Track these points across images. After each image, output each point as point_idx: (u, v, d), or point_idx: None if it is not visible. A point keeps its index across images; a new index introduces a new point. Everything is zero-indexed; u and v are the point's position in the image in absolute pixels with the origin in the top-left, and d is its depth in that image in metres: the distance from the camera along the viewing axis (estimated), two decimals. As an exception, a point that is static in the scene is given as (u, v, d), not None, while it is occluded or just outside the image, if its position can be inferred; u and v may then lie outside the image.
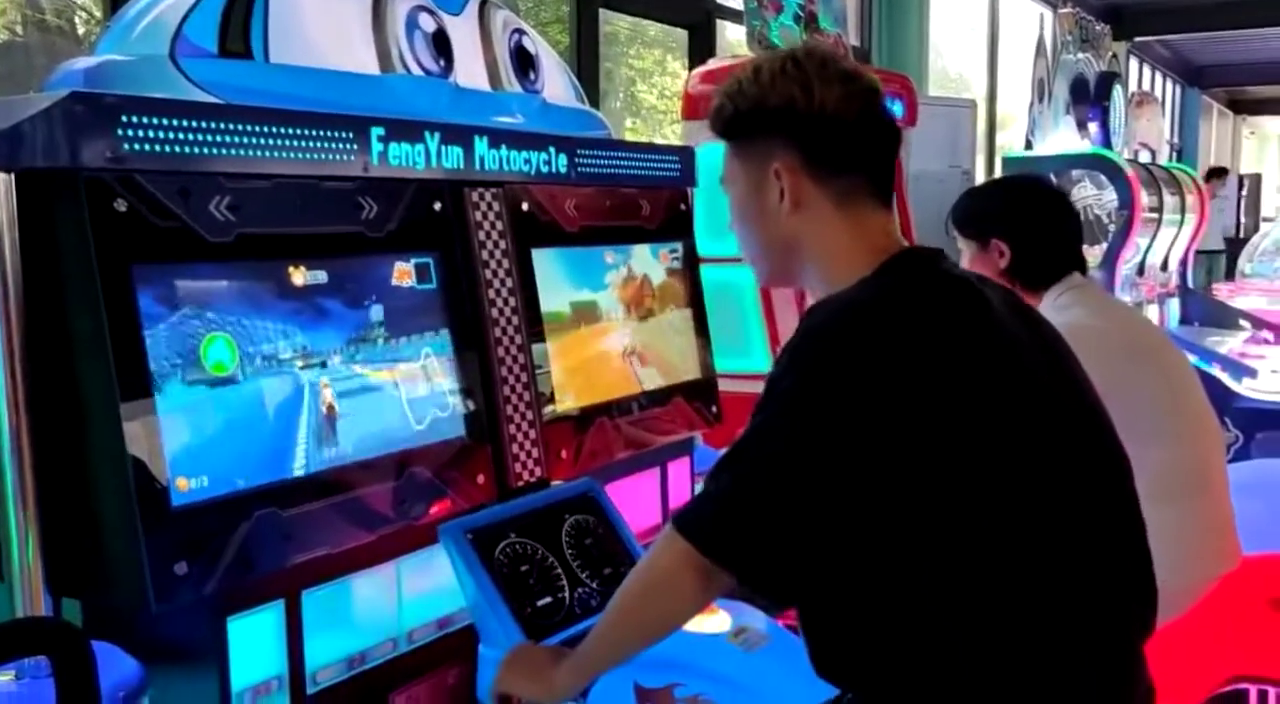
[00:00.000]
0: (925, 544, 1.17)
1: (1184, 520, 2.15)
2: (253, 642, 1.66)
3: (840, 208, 1.36)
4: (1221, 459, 2.29)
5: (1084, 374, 1.37)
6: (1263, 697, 2.10)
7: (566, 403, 2.26)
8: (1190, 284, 5.96)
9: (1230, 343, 5.21)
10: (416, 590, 1.93)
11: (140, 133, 1.51)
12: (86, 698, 1.08)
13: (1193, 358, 2.47)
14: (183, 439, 1.55)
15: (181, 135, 1.56)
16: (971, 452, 1.17)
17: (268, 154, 1.69)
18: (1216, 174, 10.48)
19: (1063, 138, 5.07)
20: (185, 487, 1.54)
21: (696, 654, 1.47)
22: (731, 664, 1.56)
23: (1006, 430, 1.19)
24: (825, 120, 1.34)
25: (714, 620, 1.65)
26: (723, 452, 1.28)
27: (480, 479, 2.01)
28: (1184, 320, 5.78)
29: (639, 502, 2.57)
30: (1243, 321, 5.68)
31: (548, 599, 1.89)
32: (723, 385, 2.78)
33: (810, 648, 1.31)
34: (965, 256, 2.35)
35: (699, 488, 1.32)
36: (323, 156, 1.78)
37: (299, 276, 1.75)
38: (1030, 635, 1.18)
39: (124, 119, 1.50)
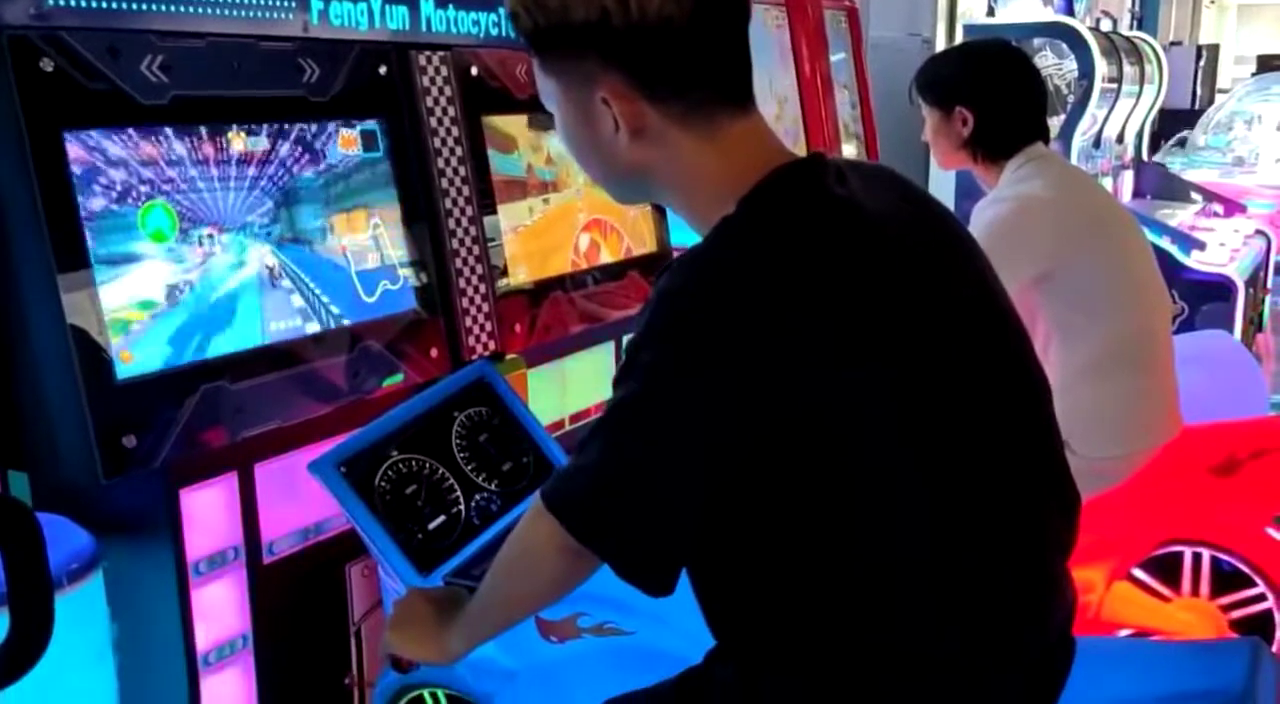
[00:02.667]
0: (817, 504, 1.06)
1: (1130, 392, 2.19)
2: (207, 514, 1.66)
3: (690, 128, 1.12)
4: (1168, 332, 2.33)
5: (997, 282, 1.21)
6: (1196, 558, 2.18)
7: (520, 276, 2.23)
8: (1145, 156, 5.98)
9: (1181, 216, 5.26)
10: (370, 462, 1.93)
11: (64, -13, 1.44)
12: (35, 570, 1.07)
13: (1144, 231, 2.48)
14: (125, 311, 1.52)
15: (108, -10, 1.49)
16: (859, 401, 1.03)
17: (200, 10, 1.61)
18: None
19: (1025, 5, 4.99)
20: (129, 359, 1.52)
21: (598, 580, 1.38)
22: (635, 590, 1.47)
23: (899, 374, 1.05)
24: (649, 34, 1.07)
25: None
26: (592, 421, 1.12)
27: (434, 353, 1.99)
28: (1137, 193, 5.81)
29: (593, 376, 2.57)
30: (1194, 194, 5.73)
31: (440, 519, 1.74)
32: (678, 258, 2.76)
33: (706, 617, 1.19)
34: (928, 125, 2.32)
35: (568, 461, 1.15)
36: (259, 15, 1.70)
37: (239, 142, 1.69)
38: (930, 573, 1.07)
39: (46, -28, 1.42)
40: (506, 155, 2.24)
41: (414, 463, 1.76)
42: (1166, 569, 2.21)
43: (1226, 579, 2.18)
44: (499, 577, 1.24)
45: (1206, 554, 2.17)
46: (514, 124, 2.26)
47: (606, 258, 2.42)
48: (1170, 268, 3.89)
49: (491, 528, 1.81)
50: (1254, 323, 4.64)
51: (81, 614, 1.54)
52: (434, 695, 1.82)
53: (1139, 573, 2.22)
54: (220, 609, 1.69)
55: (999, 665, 1.13)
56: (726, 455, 1.04)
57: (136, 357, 1.53)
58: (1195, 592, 2.20)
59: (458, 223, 2.07)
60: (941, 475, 1.08)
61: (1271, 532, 2.13)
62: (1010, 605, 1.13)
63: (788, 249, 1.05)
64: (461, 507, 1.80)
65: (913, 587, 1.08)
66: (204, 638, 1.67)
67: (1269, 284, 5.12)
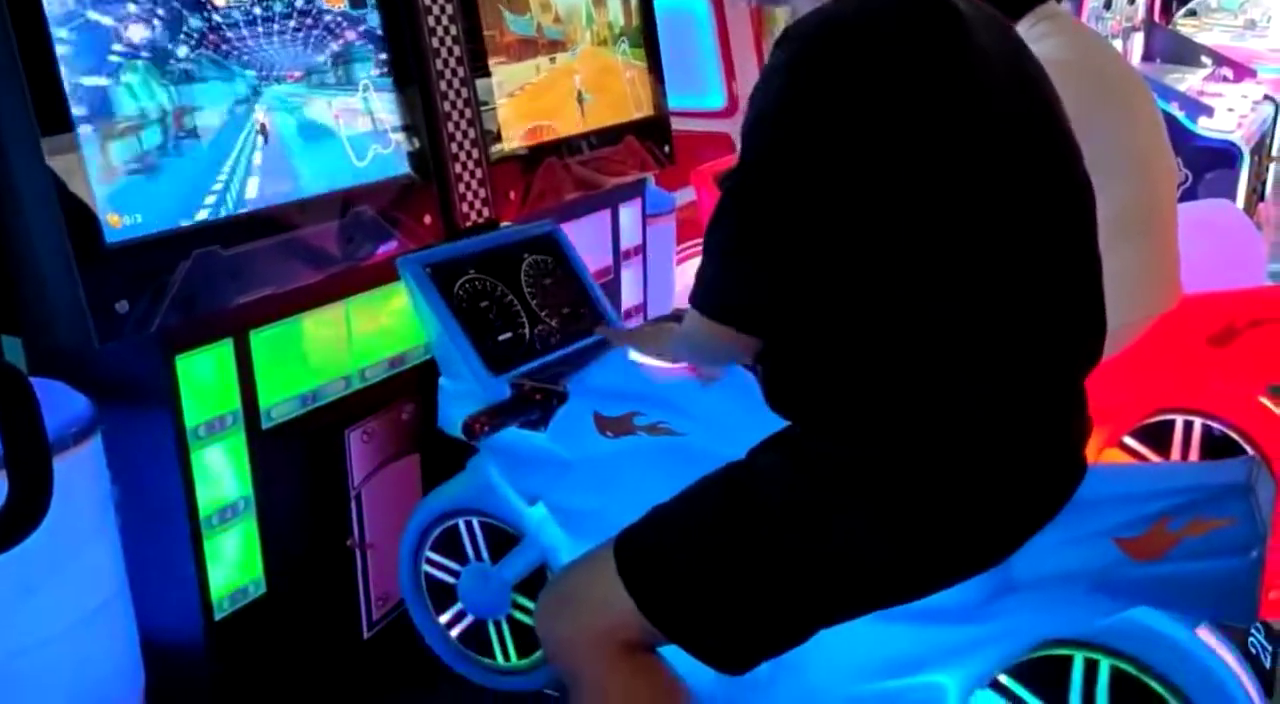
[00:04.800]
0: (887, 267, 1.16)
1: (1132, 260, 2.16)
2: (203, 379, 1.66)
3: None
4: (1173, 200, 2.29)
5: (1058, 102, 1.32)
6: (1187, 426, 2.20)
7: (513, 141, 2.19)
8: (1156, 17, 5.81)
9: (1190, 80, 5.14)
10: (366, 330, 1.93)
11: None
12: (31, 435, 1.07)
13: (1152, 96, 2.42)
14: (110, 174, 1.49)
15: None
16: (937, 174, 1.14)
17: None
18: None
19: None
20: (118, 223, 1.49)
21: (654, 386, 1.50)
22: (688, 395, 1.60)
23: (974, 156, 1.16)
24: None
25: None
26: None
27: (427, 219, 1.96)
28: (1146, 56, 5.66)
29: (590, 244, 2.54)
30: (1205, 58, 5.59)
31: (508, 334, 1.87)
32: (676, 124, 2.70)
33: (764, 382, 1.31)
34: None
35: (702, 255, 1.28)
36: None
37: (222, -1, 1.63)
38: (979, 363, 1.18)
39: None
40: (519, 15, 2.18)
41: (488, 284, 1.89)
42: (1157, 437, 2.23)
43: (1216, 447, 2.20)
44: (684, 348, 1.40)
45: (1198, 422, 2.19)
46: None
47: (601, 120, 2.36)
48: (1177, 134, 3.82)
49: (553, 354, 1.91)
50: (1257, 192, 4.59)
51: (82, 477, 1.56)
52: (469, 523, 1.87)
53: (1130, 440, 2.24)
54: (220, 474, 1.71)
55: (1019, 459, 1.23)
56: (830, 213, 1.13)
57: (125, 220, 1.50)
58: (1185, 459, 2.23)
59: (449, 85, 2.02)
60: (997, 262, 1.18)
61: (1265, 400, 2.14)
62: (1036, 404, 1.23)
63: (905, 18, 1.15)
64: (527, 330, 1.90)
65: (955, 366, 1.18)
66: (206, 501, 1.69)
67: (1274, 152, 5.04)
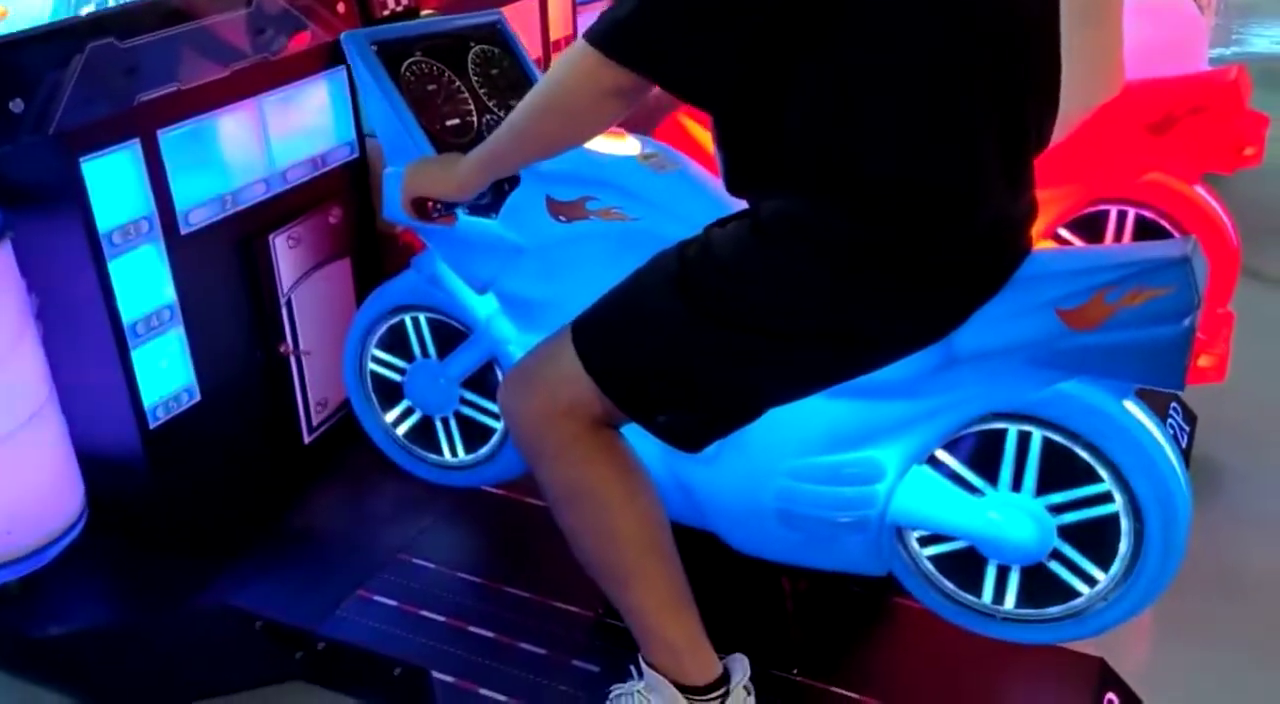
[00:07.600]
0: (840, 40, 1.11)
1: (1081, 46, 2.11)
2: (113, 182, 1.58)
3: None
4: (1121, -18, 2.23)
5: None
6: (1121, 217, 2.20)
7: (433, -81, 2.05)
8: None
9: None
10: (285, 129, 1.85)
11: None
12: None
13: None
14: (-12, -41, 1.37)
15: None
16: None
17: None
18: None
19: None
20: (4, 14, 1.38)
21: (607, 172, 1.46)
22: (641, 182, 1.56)
23: None
24: None
25: (622, 145, 1.63)
26: None
27: (340, 7, 1.85)
28: None
29: (518, 29, 2.44)
30: None
31: (456, 121, 1.80)
32: (606, -98, 2.55)
33: (724, 164, 1.27)
34: None
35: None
36: None
37: None
38: (934, 141, 1.16)
39: None
40: None
41: (435, 68, 1.80)
42: (1090, 228, 2.24)
43: (1148, 235, 2.21)
44: (532, 116, 1.26)
45: (1132, 212, 2.19)
46: None
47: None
48: (1126, -88, 3.68)
49: None
50: (1203, -25, 4.49)
51: (-8, 286, 1.51)
52: (415, 320, 1.86)
53: (1063, 231, 2.25)
54: (141, 280, 1.66)
55: (967, 230, 1.22)
56: None
57: (11, 11, 1.39)
58: (1117, 248, 2.24)
59: None
60: (952, 33, 1.14)
61: (1199, 189, 2.15)
62: (986, 177, 1.21)
63: None
64: (475, 118, 1.83)
65: (910, 135, 1.15)
66: (128, 309, 1.64)
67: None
